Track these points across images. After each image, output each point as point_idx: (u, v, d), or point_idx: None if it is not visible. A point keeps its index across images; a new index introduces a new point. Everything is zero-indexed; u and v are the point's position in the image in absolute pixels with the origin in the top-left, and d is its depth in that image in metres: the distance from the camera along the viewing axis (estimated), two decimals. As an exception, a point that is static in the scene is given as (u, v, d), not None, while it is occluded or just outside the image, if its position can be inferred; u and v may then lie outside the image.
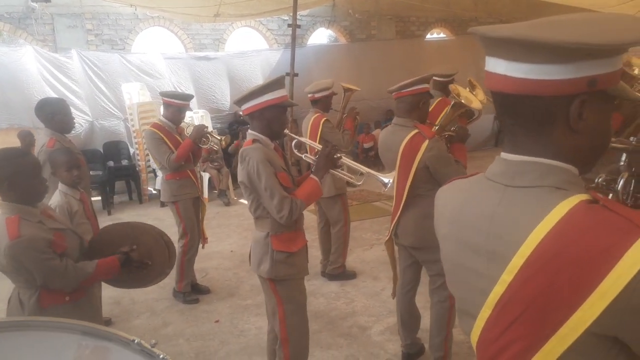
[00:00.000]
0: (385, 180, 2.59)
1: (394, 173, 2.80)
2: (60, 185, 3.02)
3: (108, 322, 3.97)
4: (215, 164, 8.39)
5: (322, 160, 2.55)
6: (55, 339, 1.01)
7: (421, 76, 2.95)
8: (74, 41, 9.16)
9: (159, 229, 2.59)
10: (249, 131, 2.55)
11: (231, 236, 6.33)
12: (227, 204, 8.09)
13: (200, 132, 4.22)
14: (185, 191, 4.26)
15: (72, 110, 8.28)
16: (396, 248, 3.17)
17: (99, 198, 8.19)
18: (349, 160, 2.70)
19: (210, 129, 8.54)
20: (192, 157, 4.34)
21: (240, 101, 2.48)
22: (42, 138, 3.57)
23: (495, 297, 0.91)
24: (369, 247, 5.56)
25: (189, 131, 4.39)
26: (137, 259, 2.28)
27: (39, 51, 8.67)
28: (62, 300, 2.10)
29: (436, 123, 3.57)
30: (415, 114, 2.93)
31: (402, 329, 3.25)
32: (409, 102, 2.91)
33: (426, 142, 2.78)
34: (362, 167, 2.68)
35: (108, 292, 4.36)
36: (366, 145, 10.49)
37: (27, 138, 6.67)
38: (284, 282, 2.53)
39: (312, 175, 2.53)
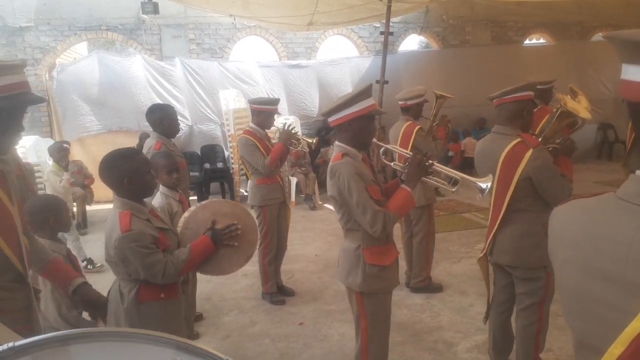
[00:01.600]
0: (483, 185, 2.47)
1: (491, 177, 2.65)
2: (161, 187, 3.23)
3: (199, 317, 4.19)
4: (303, 169, 8.58)
5: (413, 169, 2.47)
6: (152, 352, 1.08)
7: (526, 83, 2.80)
8: (178, 50, 9.83)
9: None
10: (336, 142, 2.53)
11: (316, 240, 6.42)
12: (313, 208, 8.23)
13: (289, 135, 4.30)
14: (274, 196, 4.39)
15: (174, 115, 8.96)
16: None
17: (196, 198, 8.67)
18: (442, 167, 2.61)
19: (299, 133, 8.78)
20: (279, 162, 4.44)
21: (327, 113, 2.47)
22: (150, 141, 3.85)
23: (633, 332, 0.82)
24: (457, 260, 5.38)
25: (276, 137, 4.49)
26: (225, 227, 2.29)
27: (147, 59, 9.40)
28: (158, 296, 2.22)
29: (536, 133, 3.39)
30: (518, 122, 2.78)
31: (492, 350, 3.11)
32: (511, 110, 2.77)
33: (530, 152, 2.62)
34: (456, 173, 2.58)
35: (200, 288, 4.60)
36: (449, 154, 10.19)
37: (143, 139, 7.39)
38: (372, 295, 2.50)
39: (403, 186, 2.46)
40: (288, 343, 3.80)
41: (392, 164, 2.90)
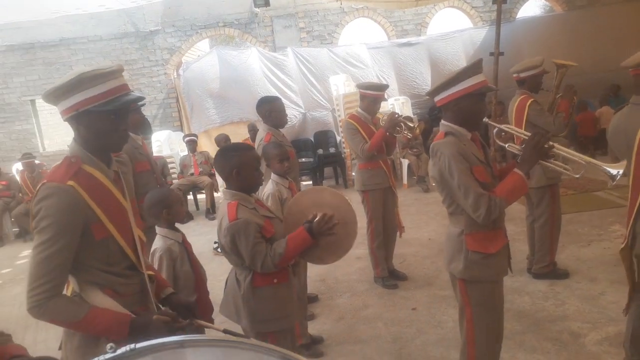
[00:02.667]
0: (613, 172, 2.17)
1: (624, 163, 2.34)
2: (273, 175, 3.39)
3: (315, 299, 4.35)
4: (415, 150, 8.40)
5: (528, 152, 2.26)
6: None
7: None
8: (289, 40, 10.13)
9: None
10: (442, 122, 2.41)
11: (429, 224, 6.28)
12: (426, 190, 8.04)
13: (393, 122, 4.23)
14: (376, 181, 4.36)
15: (287, 103, 9.29)
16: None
17: (310, 182, 8.96)
18: (564, 149, 2.36)
19: (410, 114, 8.60)
20: (386, 147, 4.41)
21: (433, 92, 2.36)
22: (261, 133, 4.05)
23: None
24: (587, 244, 4.93)
25: (384, 121, 4.46)
26: (320, 218, 2.27)
27: (261, 51, 9.83)
28: (271, 281, 2.35)
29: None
30: None
31: (630, 345, 2.79)
32: None
33: None
34: (581, 156, 2.30)
35: (315, 270, 4.77)
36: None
37: (253, 129, 7.82)
38: (477, 283, 2.38)
39: (516, 169, 2.27)
40: (401, 328, 3.79)
41: (506, 145, 2.68)
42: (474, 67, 2.27)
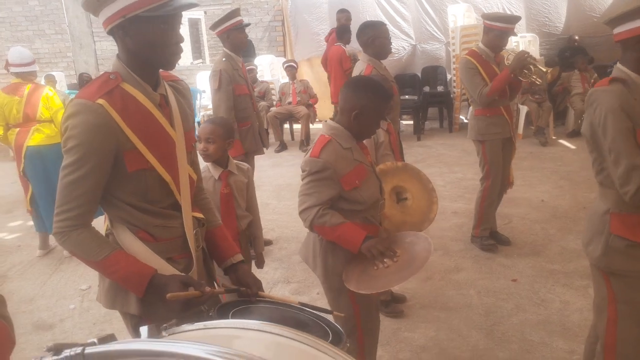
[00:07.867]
0: None
1: None
2: (371, 116, 2.99)
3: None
4: (537, 96, 7.39)
5: None
6: None
7: None
8: (406, -38, 9.16)
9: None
10: (617, 65, 1.87)
11: (544, 183, 5.53)
12: (544, 143, 7.12)
13: (522, 62, 3.60)
14: (495, 130, 3.80)
15: (397, 32, 8.52)
16: None
17: (411, 122, 8.37)
18: None
19: (537, 56, 7.53)
20: (509, 91, 3.81)
21: (614, 20, 1.79)
22: (360, 64, 3.57)
23: None
24: None
25: (509, 60, 3.81)
26: (384, 246, 1.90)
27: (374, -26, 9.00)
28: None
29: None
30: None
31: None
32: None
33: None
34: None
35: (406, 222, 4.38)
36: None
37: (354, 59, 7.28)
38: (623, 277, 1.88)
39: None
40: (496, 300, 3.35)
41: None
42: None
